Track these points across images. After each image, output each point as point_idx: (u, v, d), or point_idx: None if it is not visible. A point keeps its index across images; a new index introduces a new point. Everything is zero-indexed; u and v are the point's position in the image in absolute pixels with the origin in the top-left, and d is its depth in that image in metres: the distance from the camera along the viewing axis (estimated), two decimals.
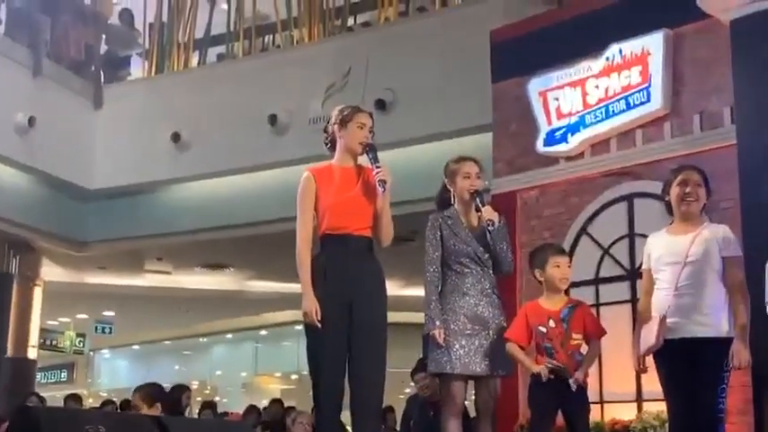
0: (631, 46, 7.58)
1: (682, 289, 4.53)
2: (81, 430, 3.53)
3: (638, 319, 4.83)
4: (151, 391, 5.92)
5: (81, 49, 12.91)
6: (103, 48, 13.61)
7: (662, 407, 5.16)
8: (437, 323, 4.72)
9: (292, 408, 11.20)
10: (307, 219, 4.46)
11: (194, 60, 13.41)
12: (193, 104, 11.95)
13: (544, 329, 5.11)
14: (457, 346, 4.70)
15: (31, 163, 11.61)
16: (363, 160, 4.59)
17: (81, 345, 17.41)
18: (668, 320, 4.58)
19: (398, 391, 12.22)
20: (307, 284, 4.34)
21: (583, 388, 5.13)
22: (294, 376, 19.71)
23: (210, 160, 11.62)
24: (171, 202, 12.31)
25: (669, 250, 4.64)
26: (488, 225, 4.72)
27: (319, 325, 4.26)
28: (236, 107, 11.52)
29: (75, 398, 11.43)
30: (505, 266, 4.91)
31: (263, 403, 12.76)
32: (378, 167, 4.41)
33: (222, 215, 11.70)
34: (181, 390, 9.11)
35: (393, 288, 13.11)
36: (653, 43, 7.44)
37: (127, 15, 13.90)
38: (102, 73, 13.17)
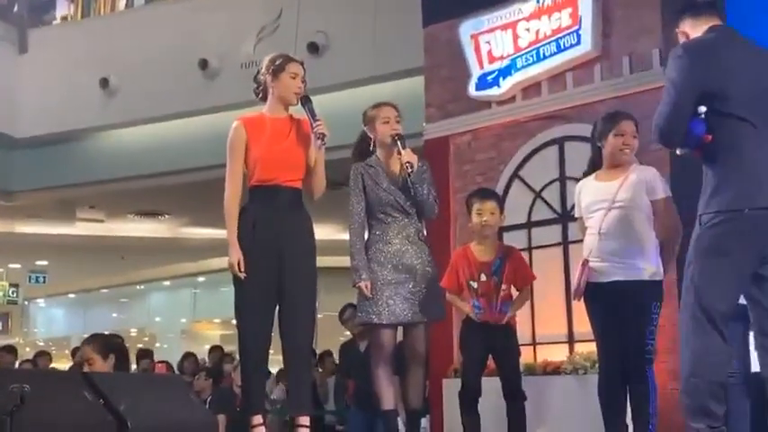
0: None
1: (608, 233, 4.57)
2: (5, 390, 3.45)
3: None
4: (107, 342, 5.18)
5: None
6: None
7: (592, 348, 5.23)
8: (363, 275, 4.71)
9: (230, 354, 11.20)
10: (236, 170, 4.40)
11: (122, 2, 13.07)
12: (121, 48, 11.67)
13: (475, 284, 5.13)
14: (384, 296, 4.69)
15: None
16: (295, 110, 4.52)
17: (14, 295, 17.14)
18: (596, 264, 4.64)
19: (336, 335, 12.27)
20: (233, 236, 4.32)
21: (512, 331, 5.20)
22: (234, 321, 19.68)
23: (140, 106, 11.38)
24: (100, 150, 12.08)
25: (597, 197, 4.67)
26: (408, 167, 4.69)
27: (243, 276, 4.25)
28: (165, 51, 11.26)
29: (10, 349, 11.25)
30: (428, 211, 4.86)
31: (203, 349, 12.72)
32: (317, 121, 4.34)
33: (154, 162, 11.52)
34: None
35: (327, 233, 13.17)
36: None
37: None
38: (26, 16, 12.79)
